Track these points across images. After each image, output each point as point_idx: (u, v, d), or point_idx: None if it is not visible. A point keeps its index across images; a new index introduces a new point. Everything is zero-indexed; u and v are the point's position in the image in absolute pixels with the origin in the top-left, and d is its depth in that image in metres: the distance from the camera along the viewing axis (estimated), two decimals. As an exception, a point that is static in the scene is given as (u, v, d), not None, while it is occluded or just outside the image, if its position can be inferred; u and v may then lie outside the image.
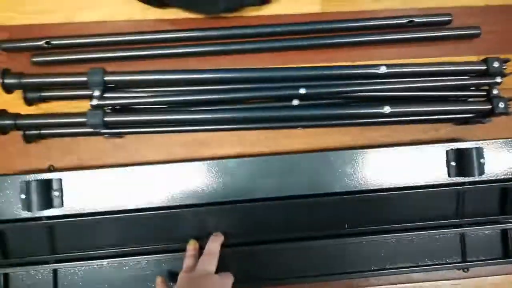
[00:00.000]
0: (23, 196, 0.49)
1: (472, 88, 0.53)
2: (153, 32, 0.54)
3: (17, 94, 0.52)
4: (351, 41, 0.54)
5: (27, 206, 0.48)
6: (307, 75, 0.50)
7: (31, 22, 0.54)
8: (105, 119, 0.47)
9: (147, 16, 0.55)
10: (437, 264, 0.54)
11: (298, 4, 0.56)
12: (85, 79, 0.48)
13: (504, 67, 0.51)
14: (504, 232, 0.55)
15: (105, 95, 0.49)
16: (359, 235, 0.53)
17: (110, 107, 0.50)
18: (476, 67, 0.51)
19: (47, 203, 0.49)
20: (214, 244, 0.48)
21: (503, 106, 0.49)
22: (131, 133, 0.53)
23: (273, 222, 0.53)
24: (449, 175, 0.52)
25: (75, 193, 0.50)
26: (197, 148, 0.55)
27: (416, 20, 0.54)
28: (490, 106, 0.50)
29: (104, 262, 0.51)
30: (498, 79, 0.50)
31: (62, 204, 0.49)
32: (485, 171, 0.52)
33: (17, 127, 0.50)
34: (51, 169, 0.53)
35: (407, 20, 0.54)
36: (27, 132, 0.52)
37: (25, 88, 0.51)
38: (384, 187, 0.52)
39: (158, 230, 0.52)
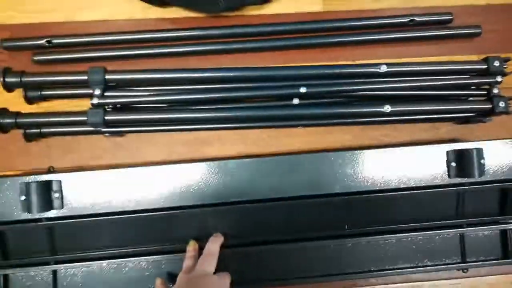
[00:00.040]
0: (23, 198, 0.49)
1: (472, 87, 0.53)
2: (154, 31, 0.54)
3: (18, 93, 0.52)
4: (352, 40, 0.54)
5: (27, 207, 0.48)
6: (307, 74, 0.50)
7: (32, 21, 0.54)
8: (106, 117, 0.47)
9: (148, 15, 0.55)
10: (437, 265, 0.54)
11: (299, 3, 0.56)
12: (85, 77, 0.48)
13: (505, 66, 0.51)
14: (503, 233, 0.55)
15: (105, 93, 0.49)
16: (359, 235, 0.53)
17: (110, 106, 0.50)
18: (477, 66, 0.51)
19: (47, 204, 0.49)
20: (214, 244, 0.48)
21: (503, 105, 0.49)
22: (131, 131, 0.53)
23: (273, 223, 0.53)
24: (449, 176, 0.52)
25: (75, 195, 0.50)
26: (198, 146, 0.55)
27: (417, 19, 0.54)
28: (491, 105, 0.50)
29: (104, 263, 0.51)
30: (499, 78, 0.50)
31: (62, 206, 0.49)
32: (485, 172, 0.52)
33: (17, 126, 0.50)
34: (51, 170, 0.53)
35: (408, 19, 0.54)
36: (27, 131, 0.52)
37: (26, 86, 0.51)
38: (384, 187, 0.52)
39: (158, 231, 0.52)
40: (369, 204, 0.54)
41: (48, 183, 0.49)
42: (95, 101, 0.48)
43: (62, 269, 0.52)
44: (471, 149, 0.51)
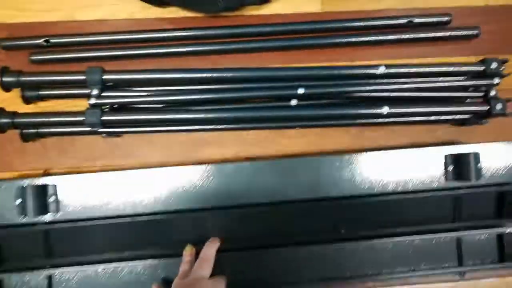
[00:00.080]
0: (18, 202, 0.48)
1: (470, 89, 0.53)
2: (153, 31, 0.54)
3: (15, 93, 0.52)
4: (351, 41, 0.54)
5: (23, 211, 0.48)
6: (306, 75, 0.50)
7: (30, 20, 0.54)
8: (103, 118, 0.47)
9: (147, 15, 0.55)
10: (433, 268, 0.54)
11: (298, 4, 0.56)
12: (83, 77, 0.48)
13: (502, 68, 0.51)
14: (500, 236, 0.55)
15: (103, 94, 0.49)
16: (356, 239, 0.53)
17: (108, 106, 0.50)
18: (475, 67, 0.51)
19: (43, 208, 0.49)
20: (209, 249, 0.48)
21: (500, 107, 0.49)
22: (129, 132, 0.53)
23: (270, 226, 0.53)
24: (446, 179, 0.52)
25: (71, 198, 0.49)
26: (195, 147, 0.55)
27: (415, 20, 0.54)
28: (488, 107, 0.50)
29: (100, 267, 0.51)
30: (496, 80, 0.50)
31: (57, 210, 0.49)
32: (482, 175, 0.52)
33: (14, 126, 0.50)
34: (46, 174, 0.53)
35: (406, 20, 0.54)
36: (24, 131, 0.51)
37: (23, 86, 0.51)
38: (381, 191, 0.52)
39: (154, 235, 0.52)
40: (366, 208, 0.54)
41: (44, 187, 0.49)
42: (93, 101, 0.48)
43: (57, 274, 0.51)
44: (469, 153, 0.51)
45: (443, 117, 0.53)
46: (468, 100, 0.53)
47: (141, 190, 0.50)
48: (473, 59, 0.56)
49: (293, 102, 0.49)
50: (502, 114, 0.50)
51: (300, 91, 0.48)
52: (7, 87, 0.50)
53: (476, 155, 0.51)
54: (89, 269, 0.51)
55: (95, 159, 0.54)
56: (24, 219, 0.48)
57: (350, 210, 0.54)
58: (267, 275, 0.53)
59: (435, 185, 0.52)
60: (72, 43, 0.53)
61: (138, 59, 0.54)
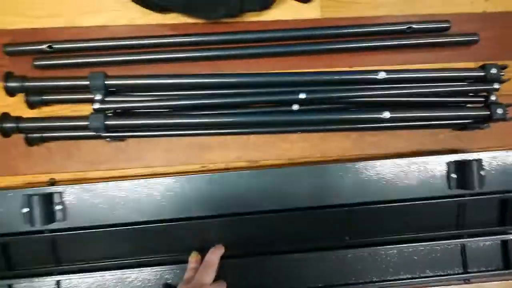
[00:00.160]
0: (25, 210, 0.49)
1: (470, 94, 0.53)
2: (154, 37, 0.54)
3: (20, 98, 0.52)
4: (351, 46, 0.55)
5: (30, 220, 0.49)
6: (307, 80, 0.50)
7: (34, 26, 0.55)
8: (107, 122, 0.48)
9: (148, 21, 0.56)
10: (438, 275, 0.55)
11: (297, 10, 0.57)
12: (87, 83, 0.49)
13: (502, 73, 0.51)
14: (504, 243, 0.55)
15: (106, 99, 0.49)
16: (360, 246, 0.53)
17: (111, 111, 0.50)
18: (474, 73, 0.52)
19: (49, 217, 0.49)
20: (213, 256, 0.49)
21: (501, 112, 0.50)
22: (132, 136, 0.54)
23: (274, 234, 0.54)
24: (449, 187, 0.52)
25: (77, 206, 0.50)
26: (198, 151, 0.55)
27: (414, 26, 0.55)
28: (488, 112, 0.50)
29: (107, 273, 0.52)
30: (496, 85, 0.51)
31: (64, 218, 0.50)
32: (485, 183, 0.52)
33: (19, 130, 0.51)
34: (52, 182, 0.53)
35: (405, 27, 0.55)
36: (29, 135, 0.52)
37: (28, 91, 0.52)
38: (385, 198, 0.52)
39: (160, 242, 0.53)
40: (370, 215, 0.54)
41: (50, 196, 0.49)
42: (96, 106, 0.49)
43: (65, 280, 0.52)
44: (471, 161, 0.51)
45: (444, 122, 0.54)
46: (469, 105, 0.53)
47: (146, 198, 0.51)
48: (472, 65, 0.56)
49: (295, 107, 0.50)
50: (503, 119, 0.50)
51: (302, 96, 0.49)
52: (12, 92, 0.51)
53: (479, 162, 0.52)
54: (96, 276, 0.52)
55: (99, 163, 0.55)
56: (31, 227, 0.49)
57: (355, 218, 0.54)
58: (271, 282, 0.54)
59: (438, 192, 0.52)
60: (74, 49, 0.54)
61: (140, 65, 0.55)
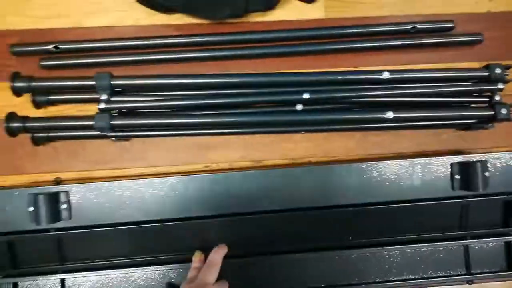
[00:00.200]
0: (31, 209, 0.49)
1: (474, 94, 0.53)
2: (159, 37, 0.55)
3: (26, 98, 0.53)
4: (355, 46, 0.55)
5: (35, 219, 0.49)
6: (310, 80, 0.51)
7: (41, 27, 0.55)
8: (112, 122, 0.48)
9: (153, 21, 0.56)
10: (441, 276, 0.55)
11: (302, 10, 0.57)
12: (92, 83, 0.49)
13: (506, 73, 0.51)
14: (508, 244, 0.55)
15: (112, 98, 0.50)
16: (363, 247, 0.54)
17: (117, 111, 0.50)
18: (478, 73, 0.52)
19: (55, 216, 0.50)
20: (216, 255, 0.49)
21: (505, 112, 0.50)
22: (137, 136, 0.54)
23: (278, 234, 0.54)
24: (453, 188, 0.52)
25: (83, 205, 0.50)
26: (202, 151, 0.56)
27: (418, 26, 0.55)
28: (492, 112, 0.50)
29: (112, 272, 0.52)
30: (500, 85, 0.51)
31: (70, 217, 0.50)
32: (489, 184, 0.52)
33: (25, 130, 0.51)
34: (58, 181, 0.54)
35: (409, 27, 0.55)
36: (35, 135, 0.53)
37: (34, 91, 0.52)
38: (388, 199, 0.52)
39: (165, 241, 0.53)
40: (373, 216, 0.54)
41: (56, 195, 0.50)
42: (102, 106, 0.49)
43: (70, 278, 0.52)
44: (476, 162, 0.51)
45: (448, 122, 0.54)
46: (473, 105, 0.53)
47: (151, 198, 0.51)
48: (476, 65, 0.56)
49: (299, 107, 0.50)
50: (507, 119, 0.50)
51: (306, 96, 0.49)
52: (18, 92, 0.51)
53: (483, 164, 0.51)
54: (101, 274, 0.52)
55: (104, 162, 0.55)
56: (37, 226, 0.49)
57: (358, 218, 0.54)
58: (273, 282, 0.54)
59: (442, 194, 0.52)
60: (81, 49, 0.54)
61: (146, 65, 0.55)
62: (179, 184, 0.51)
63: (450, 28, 0.56)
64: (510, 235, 0.54)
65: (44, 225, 0.49)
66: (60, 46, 0.53)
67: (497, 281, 0.56)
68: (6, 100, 0.53)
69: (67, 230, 0.50)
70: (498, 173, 0.52)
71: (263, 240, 0.53)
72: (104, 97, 0.49)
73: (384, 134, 0.57)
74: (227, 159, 0.56)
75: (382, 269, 0.55)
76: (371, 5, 0.57)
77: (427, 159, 0.52)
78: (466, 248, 0.55)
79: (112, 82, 0.49)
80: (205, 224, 0.52)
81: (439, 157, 0.52)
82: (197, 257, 0.50)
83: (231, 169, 0.56)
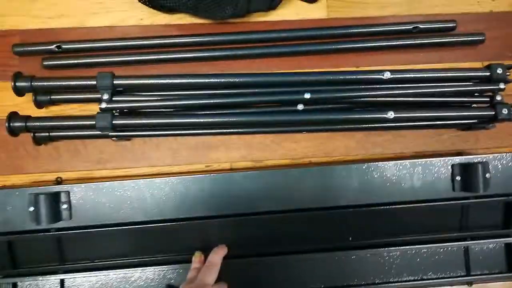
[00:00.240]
0: (31, 209, 0.49)
1: (475, 94, 0.53)
2: (161, 37, 0.55)
3: (28, 97, 0.53)
4: (356, 46, 0.55)
5: (36, 218, 0.49)
6: (312, 80, 0.50)
7: (43, 27, 0.55)
8: (114, 122, 0.48)
9: (155, 21, 0.56)
10: (441, 278, 0.54)
11: (304, 10, 0.57)
12: (94, 82, 0.49)
13: (508, 73, 0.51)
14: (508, 246, 0.55)
15: (113, 98, 0.50)
16: (363, 248, 0.53)
17: (118, 111, 0.50)
18: (480, 73, 0.51)
19: (56, 216, 0.50)
20: (216, 256, 0.49)
21: (506, 112, 0.50)
22: (138, 136, 0.54)
23: (277, 234, 0.54)
24: (453, 190, 0.52)
25: (83, 206, 0.50)
26: (204, 151, 0.56)
27: (420, 26, 0.55)
28: (493, 112, 0.50)
29: (111, 273, 0.52)
30: (502, 85, 0.51)
31: (70, 217, 0.50)
32: (490, 185, 0.52)
33: (27, 129, 0.51)
34: (59, 181, 0.54)
35: (411, 26, 0.55)
36: (37, 134, 0.53)
37: (36, 91, 0.52)
38: (388, 200, 0.52)
39: (164, 242, 0.53)
40: (374, 217, 0.54)
41: (57, 195, 0.50)
42: (104, 105, 0.49)
43: (69, 279, 0.52)
44: (477, 163, 0.51)
45: (449, 122, 0.54)
46: (474, 105, 0.53)
47: (151, 198, 0.51)
48: (478, 64, 0.56)
49: (300, 106, 0.50)
50: (508, 119, 0.50)
51: (307, 96, 0.49)
52: (21, 92, 0.52)
53: (484, 165, 0.51)
54: (100, 275, 0.52)
55: (106, 162, 0.55)
56: (37, 226, 0.49)
57: (358, 219, 0.54)
58: (273, 282, 0.54)
59: (442, 195, 0.52)
60: (83, 49, 0.54)
61: (147, 65, 0.55)
62: (180, 184, 0.51)
63: (452, 28, 0.56)
64: (510, 237, 0.54)
65: (44, 225, 0.49)
66: (63, 46, 0.53)
67: (497, 282, 0.55)
68: (9, 99, 0.53)
69: (68, 230, 0.50)
70: (499, 174, 0.52)
71: (263, 240, 0.53)
72: (105, 96, 0.49)
73: (385, 134, 0.57)
74: (228, 159, 0.56)
75: (381, 270, 0.55)
76: (373, 5, 0.58)
77: (428, 160, 0.52)
78: (466, 250, 0.55)
79: (114, 82, 0.49)
80: (205, 224, 0.51)
81: (440, 158, 0.52)
82: (197, 257, 0.50)
83: (232, 169, 0.56)
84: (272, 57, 0.55)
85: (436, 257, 0.55)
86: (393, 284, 0.54)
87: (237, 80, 0.51)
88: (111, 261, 0.52)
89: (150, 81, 0.51)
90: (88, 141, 0.55)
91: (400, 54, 0.57)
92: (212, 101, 0.51)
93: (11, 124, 0.51)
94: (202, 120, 0.50)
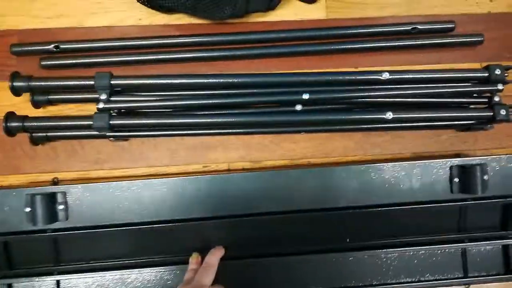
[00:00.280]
0: (28, 209, 0.49)
1: (474, 95, 0.53)
2: (160, 37, 0.55)
3: (25, 97, 0.53)
4: (355, 47, 0.55)
5: (32, 219, 0.49)
6: (310, 81, 0.50)
7: (41, 26, 0.55)
8: (111, 122, 0.48)
9: (154, 21, 0.56)
10: (438, 279, 0.54)
11: (303, 11, 0.57)
12: (92, 82, 0.49)
13: (506, 74, 0.51)
14: (505, 248, 0.55)
15: (111, 98, 0.50)
16: (361, 249, 0.53)
17: (116, 111, 0.50)
18: (478, 74, 0.51)
19: (52, 216, 0.49)
20: (213, 257, 0.49)
21: (504, 113, 0.50)
22: (136, 136, 0.54)
23: (275, 235, 0.54)
24: (451, 191, 0.52)
25: (80, 206, 0.50)
26: (202, 151, 0.56)
27: (419, 27, 0.55)
28: (491, 113, 0.50)
29: (107, 274, 0.52)
30: (500, 86, 0.51)
31: (66, 218, 0.50)
32: (488, 187, 0.52)
33: (24, 129, 0.51)
34: (55, 182, 0.53)
35: (410, 27, 0.55)
36: (34, 134, 0.52)
37: (33, 91, 0.52)
38: (386, 202, 0.52)
39: (161, 243, 0.53)
40: (372, 218, 0.54)
41: (53, 195, 0.50)
42: (101, 105, 0.49)
43: (65, 280, 0.52)
44: (475, 165, 0.51)
45: (447, 123, 0.54)
46: (472, 106, 0.53)
47: (148, 199, 0.51)
48: (476, 65, 0.56)
49: (298, 107, 0.50)
50: (506, 120, 0.50)
51: (305, 96, 0.49)
52: (18, 92, 0.51)
53: (482, 167, 0.51)
54: (97, 276, 0.52)
55: (103, 162, 0.55)
56: (33, 227, 0.49)
57: (356, 220, 0.54)
58: (271, 284, 0.53)
59: (440, 196, 0.52)
60: (81, 49, 0.54)
61: (146, 65, 0.55)
62: (177, 185, 0.51)
63: (451, 29, 0.56)
64: (508, 239, 0.54)
65: (40, 225, 0.49)
66: (61, 46, 0.53)
67: (494, 283, 0.55)
68: (6, 99, 0.53)
69: (64, 231, 0.50)
70: (496, 176, 0.52)
71: (260, 242, 0.53)
72: (103, 96, 0.49)
73: (384, 135, 0.56)
74: (226, 159, 0.56)
75: (379, 272, 0.54)
76: (372, 5, 0.58)
77: (427, 162, 0.52)
78: (464, 251, 0.55)
79: (111, 82, 0.49)
80: (202, 225, 0.51)
81: (439, 160, 0.52)
82: (194, 259, 0.50)
83: (230, 170, 0.56)
84: (271, 58, 0.55)
85: (434, 258, 0.55)
86: (390, 285, 0.54)
87: (235, 80, 0.50)
88: (108, 262, 0.52)
89: (148, 81, 0.50)
90: (85, 141, 0.54)
91: (398, 54, 0.57)
92: (210, 101, 0.51)
93: (8, 124, 0.50)
94: (200, 120, 0.50)
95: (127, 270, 0.52)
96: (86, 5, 0.56)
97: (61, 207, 0.50)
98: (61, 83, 0.51)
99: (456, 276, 0.55)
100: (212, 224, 0.51)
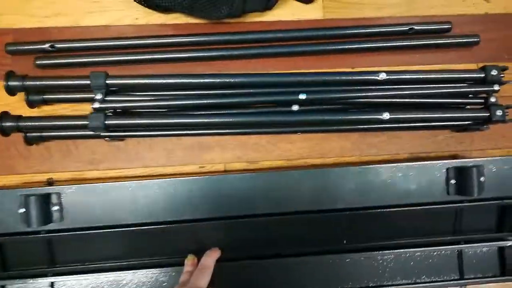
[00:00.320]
0: (22, 210, 0.48)
1: (470, 95, 0.53)
2: (156, 36, 0.54)
3: (20, 97, 0.52)
4: (352, 47, 0.55)
5: (26, 220, 0.48)
6: (307, 81, 0.50)
7: (36, 26, 0.55)
8: (107, 122, 0.48)
9: (151, 20, 0.56)
10: (434, 281, 0.54)
11: (300, 11, 0.57)
12: (87, 82, 0.49)
13: (502, 75, 0.51)
14: (501, 250, 0.55)
15: (107, 98, 0.49)
16: (357, 251, 0.53)
17: (111, 110, 0.50)
18: (475, 74, 0.52)
19: (46, 217, 0.49)
20: (208, 259, 0.48)
21: (500, 113, 0.50)
22: (132, 136, 0.53)
23: (271, 237, 0.53)
24: (448, 193, 0.52)
25: (75, 207, 0.50)
26: (198, 152, 0.55)
27: (416, 27, 0.55)
28: (488, 114, 0.50)
29: (102, 275, 0.51)
30: (496, 87, 0.51)
31: (61, 219, 0.49)
32: (484, 189, 0.52)
33: (18, 129, 0.51)
34: (50, 182, 0.53)
35: (407, 28, 0.55)
36: (28, 134, 0.52)
37: (28, 90, 0.52)
38: (383, 203, 0.52)
39: (157, 244, 0.52)
40: (368, 220, 0.54)
41: (48, 196, 0.49)
42: (97, 105, 0.48)
43: (60, 281, 0.52)
44: (471, 167, 0.51)
45: (443, 123, 0.54)
46: (468, 107, 0.53)
47: (144, 200, 0.50)
48: (473, 66, 0.56)
49: (295, 107, 0.50)
50: (502, 120, 0.50)
51: (302, 96, 0.49)
52: (12, 91, 0.51)
53: (479, 169, 0.51)
54: (91, 277, 0.51)
55: (98, 162, 0.54)
56: (27, 228, 0.48)
57: (353, 222, 0.54)
58: (267, 286, 0.53)
59: (436, 198, 0.52)
60: (77, 48, 0.54)
61: (142, 64, 0.55)
62: (173, 186, 0.50)
63: (448, 30, 0.56)
64: (503, 240, 0.54)
65: (35, 227, 0.48)
66: (56, 45, 0.53)
67: (490, 285, 0.55)
68: (1, 99, 0.53)
69: (58, 232, 0.50)
70: (493, 178, 0.52)
71: (256, 243, 0.53)
72: (99, 96, 0.49)
73: (381, 135, 0.56)
74: (222, 159, 0.55)
75: (375, 274, 0.54)
76: (369, 6, 0.58)
77: (423, 164, 0.52)
78: (460, 253, 0.55)
79: (107, 82, 0.49)
80: (198, 227, 0.51)
81: (435, 162, 0.52)
82: (189, 260, 0.49)
83: (227, 170, 0.56)
84: (267, 58, 0.55)
85: (430, 260, 0.55)
86: (386, 287, 0.54)
87: (232, 80, 0.50)
88: (103, 263, 0.51)
89: (144, 81, 0.50)
90: (80, 141, 0.54)
91: (395, 55, 0.57)
92: (207, 101, 0.50)
93: (2, 124, 0.50)
94: (196, 120, 0.50)
95: (122, 272, 0.51)
96: (84, 4, 0.55)
97: (55, 208, 0.49)
98: (56, 82, 0.51)
99: (452, 277, 0.55)
100: (208, 226, 0.51)
